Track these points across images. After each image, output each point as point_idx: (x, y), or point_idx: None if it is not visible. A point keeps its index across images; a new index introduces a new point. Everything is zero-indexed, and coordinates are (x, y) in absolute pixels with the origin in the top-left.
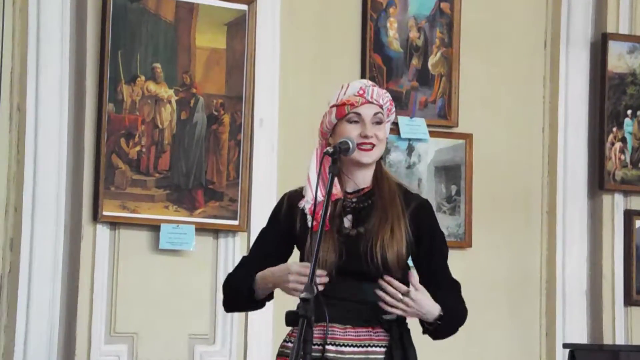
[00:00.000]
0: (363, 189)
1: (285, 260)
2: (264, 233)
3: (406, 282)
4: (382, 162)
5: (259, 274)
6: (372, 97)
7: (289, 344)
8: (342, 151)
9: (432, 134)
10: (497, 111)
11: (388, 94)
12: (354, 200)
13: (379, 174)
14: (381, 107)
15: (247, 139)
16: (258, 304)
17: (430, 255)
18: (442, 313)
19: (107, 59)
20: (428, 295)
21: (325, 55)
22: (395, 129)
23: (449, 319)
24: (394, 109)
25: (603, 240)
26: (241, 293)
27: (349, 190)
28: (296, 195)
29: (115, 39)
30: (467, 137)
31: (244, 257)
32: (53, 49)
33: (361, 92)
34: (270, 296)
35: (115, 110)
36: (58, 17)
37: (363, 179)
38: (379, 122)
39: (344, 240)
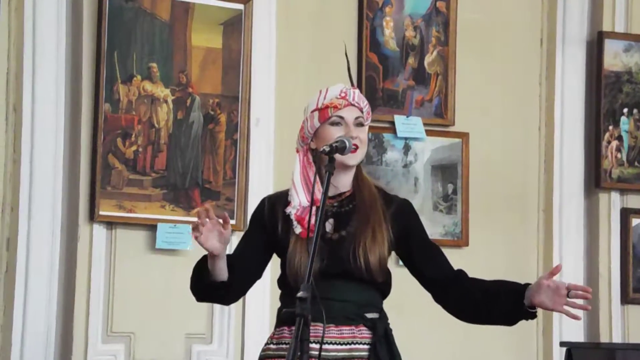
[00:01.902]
0: (344, 192)
1: (266, 265)
2: (246, 237)
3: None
4: (361, 166)
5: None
6: (353, 100)
7: (272, 345)
8: (338, 150)
9: (429, 132)
10: (493, 110)
11: (365, 99)
12: (335, 204)
13: (359, 177)
14: (361, 110)
15: (244, 139)
16: (220, 286)
17: (427, 251)
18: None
19: (103, 58)
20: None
21: (322, 54)
22: (391, 127)
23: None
24: (371, 114)
25: (599, 238)
26: (200, 277)
27: (330, 194)
28: (277, 198)
29: (111, 39)
30: (464, 135)
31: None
32: (49, 48)
33: (343, 94)
34: (230, 277)
35: (111, 110)
36: (54, 16)
37: (344, 183)
38: (360, 125)
39: (325, 246)
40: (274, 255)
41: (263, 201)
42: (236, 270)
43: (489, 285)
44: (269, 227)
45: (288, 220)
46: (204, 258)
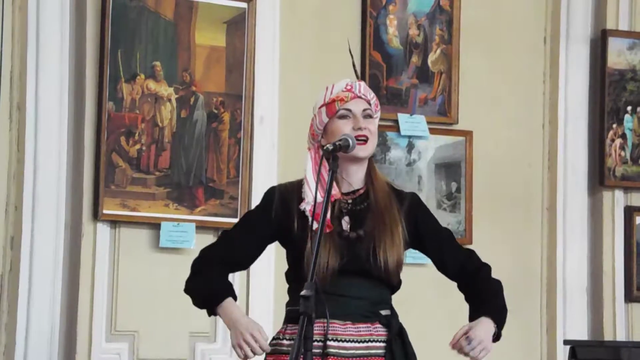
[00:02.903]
0: (358, 190)
1: (258, 251)
2: (251, 219)
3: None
4: (373, 161)
5: (229, 304)
6: (360, 92)
7: (284, 341)
8: (341, 148)
9: (432, 131)
10: (497, 108)
11: (372, 92)
12: (350, 201)
13: (372, 173)
14: (369, 102)
15: (247, 137)
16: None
17: (442, 248)
18: (497, 324)
19: (107, 57)
20: (481, 325)
21: (325, 52)
22: (395, 126)
23: (500, 314)
24: (379, 107)
25: (603, 236)
26: (206, 297)
27: (344, 190)
28: (287, 190)
29: (115, 37)
30: (467, 134)
31: (225, 240)
32: (53, 47)
33: (349, 87)
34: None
35: (115, 109)
36: (57, 15)
37: (357, 178)
38: (369, 117)
39: (344, 243)
40: (278, 251)
41: (272, 191)
42: (233, 269)
43: (475, 294)
44: (276, 220)
45: (304, 217)
46: (223, 295)
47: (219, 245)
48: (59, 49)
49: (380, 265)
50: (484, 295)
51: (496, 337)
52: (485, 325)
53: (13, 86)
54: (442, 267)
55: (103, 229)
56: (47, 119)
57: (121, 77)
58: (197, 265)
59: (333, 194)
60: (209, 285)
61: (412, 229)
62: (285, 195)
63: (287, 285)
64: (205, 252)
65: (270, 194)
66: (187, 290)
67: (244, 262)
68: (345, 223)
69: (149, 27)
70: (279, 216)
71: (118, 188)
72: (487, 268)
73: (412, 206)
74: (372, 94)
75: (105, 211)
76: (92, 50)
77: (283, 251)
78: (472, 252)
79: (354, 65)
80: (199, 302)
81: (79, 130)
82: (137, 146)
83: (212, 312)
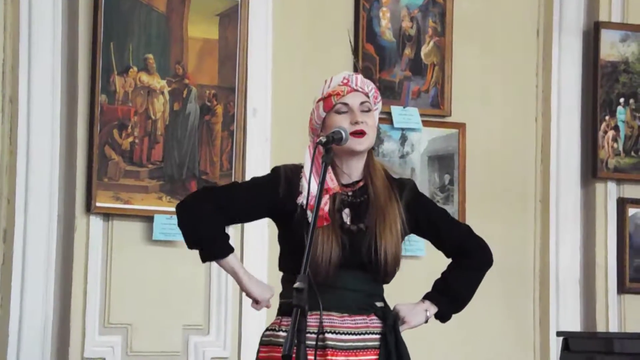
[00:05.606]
0: (358, 182)
1: (256, 214)
2: (259, 185)
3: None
4: (372, 152)
5: (233, 259)
6: (357, 85)
7: (280, 333)
8: (335, 140)
9: (425, 123)
10: (490, 100)
11: (372, 84)
12: (350, 194)
13: (371, 164)
14: (367, 95)
15: (240, 130)
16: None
17: (439, 234)
18: (428, 315)
19: (100, 50)
20: (413, 304)
21: (318, 45)
22: (388, 118)
23: (454, 300)
24: (380, 98)
25: (596, 228)
26: (211, 244)
27: (344, 182)
28: (293, 173)
29: (108, 30)
30: (460, 126)
31: (231, 190)
32: (45, 40)
33: (345, 81)
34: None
35: (107, 102)
36: (50, 8)
37: (356, 170)
38: (367, 111)
39: (346, 236)
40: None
41: (278, 170)
42: (230, 221)
43: (446, 274)
44: (282, 200)
45: (304, 210)
46: (228, 249)
47: (224, 191)
48: (51, 42)
49: (381, 261)
50: (450, 280)
51: (442, 318)
52: (418, 306)
53: (5, 79)
54: (440, 248)
55: (96, 222)
56: (40, 112)
57: (114, 69)
58: (198, 199)
59: (332, 187)
60: (212, 236)
61: (412, 218)
62: (291, 179)
63: (279, 273)
64: (208, 192)
65: (276, 172)
66: (184, 226)
67: (241, 218)
68: (346, 215)
69: (141, 19)
70: (285, 197)
71: (111, 181)
72: (480, 253)
73: (411, 196)
74: (371, 86)
75: (98, 204)
76: (84, 43)
77: (274, 236)
78: (468, 231)
79: (354, 58)
80: (192, 245)
81: (72, 123)
82: (130, 139)
83: (209, 260)
